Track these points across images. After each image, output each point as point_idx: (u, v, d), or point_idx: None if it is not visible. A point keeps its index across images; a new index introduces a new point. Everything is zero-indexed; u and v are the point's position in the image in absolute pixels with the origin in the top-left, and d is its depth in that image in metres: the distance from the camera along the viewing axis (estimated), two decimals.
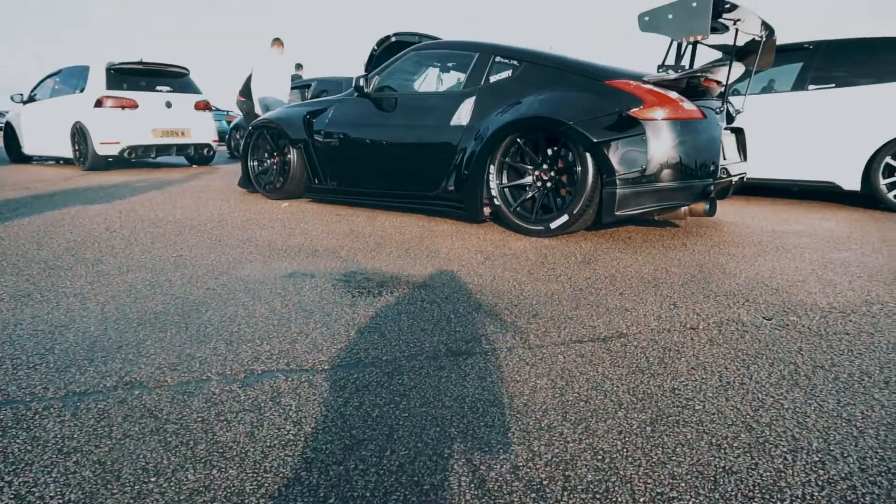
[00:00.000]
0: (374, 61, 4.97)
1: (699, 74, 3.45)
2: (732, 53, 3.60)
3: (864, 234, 3.64)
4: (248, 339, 1.82)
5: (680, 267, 2.77)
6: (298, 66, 11.23)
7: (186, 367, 1.61)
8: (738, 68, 3.80)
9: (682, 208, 3.34)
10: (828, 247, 3.25)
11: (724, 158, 3.63)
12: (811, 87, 4.98)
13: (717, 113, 3.56)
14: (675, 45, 3.42)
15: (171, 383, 1.51)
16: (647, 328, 1.95)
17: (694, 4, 3.00)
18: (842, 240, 3.46)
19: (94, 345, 1.76)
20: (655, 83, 3.29)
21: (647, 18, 3.23)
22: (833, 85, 4.87)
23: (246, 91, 8.65)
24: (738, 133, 4.08)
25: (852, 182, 4.78)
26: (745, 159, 4.13)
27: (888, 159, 4.58)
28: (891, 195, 4.62)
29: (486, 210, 3.71)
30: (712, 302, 2.24)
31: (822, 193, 5.58)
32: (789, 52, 5.14)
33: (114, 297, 2.24)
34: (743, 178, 4.04)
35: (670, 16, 3.11)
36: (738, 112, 4.12)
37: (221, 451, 1.22)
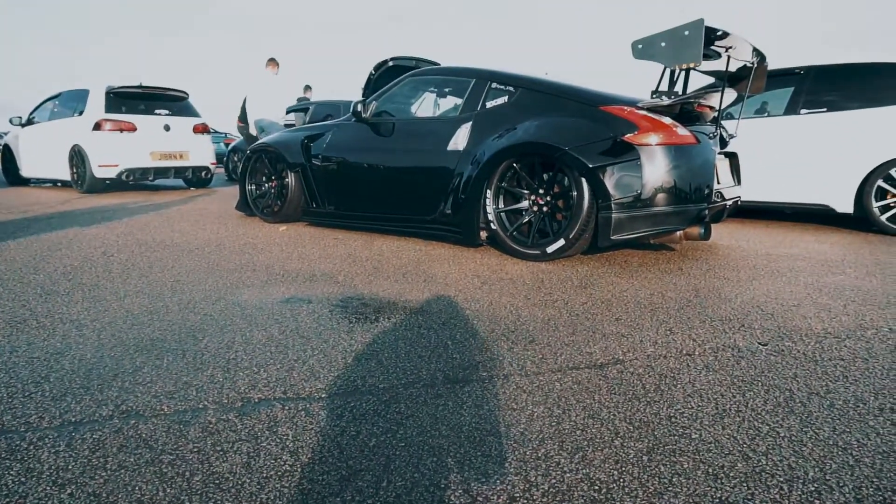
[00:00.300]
0: (371, 85, 5.03)
1: (692, 100, 3.50)
2: (725, 79, 3.66)
3: (857, 257, 3.66)
4: (246, 366, 1.82)
5: (676, 291, 2.79)
6: (307, 88, 11.27)
7: (183, 396, 1.61)
8: (730, 94, 3.86)
9: (678, 232, 3.36)
10: (822, 270, 3.27)
11: (719, 183, 3.67)
12: (803, 111, 5.05)
13: (710, 138, 3.60)
14: (668, 71, 3.47)
15: (168, 412, 1.51)
16: (643, 354, 1.95)
17: (686, 33, 3.05)
18: (836, 263, 3.48)
19: (90, 372, 1.76)
20: (649, 109, 3.33)
21: (640, 46, 3.29)
22: (825, 109, 4.94)
23: (244, 116, 8.71)
24: (732, 157, 4.13)
25: (845, 205, 4.82)
26: (738, 183, 4.17)
27: (880, 182, 4.63)
28: (883, 218, 4.66)
29: (483, 234, 3.72)
30: (708, 327, 2.25)
31: (816, 216, 5.62)
32: (780, 77, 5.21)
33: (111, 323, 2.24)
34: (737, 201, 4.07)
35: (663, 44, 3.17)
36: (731, 137, 4.17)
37: (218, 482, 1.21)
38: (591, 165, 3.17)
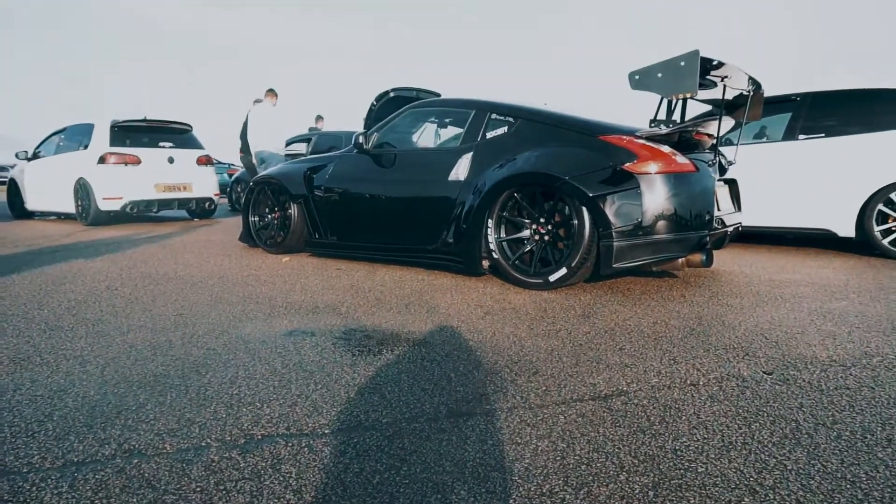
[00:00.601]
0: (372, 115, 5.10)
1: (691, 128, 3.54)
2: (721, 108, 3.70)
3: (860, 282, 3.66)
4: (249, 401, 1.82)
5: (679, 319, 2.78)
6: (318, 118, 11.39)
7: (186, 433, 1.60)
8: (728, 121, 3.90)
9: (680, 259, 3.37)
10: (825, 296, 3.27)
11: (719, 209, 3.68)
12: (801, 136, 5.10)
13: (709, 165, 3.63)
14: (665, 101, 3.52)
15: (170, 451, 1.50)
16: (647, 385, 1.95)
17: (682, 64, 3.10)
18: (839, 288, 3.48)
19: (93, 410, 1.76)
20: (648, 138, 3.37)
21: (637, 77, 3.34)
22: (823, 135, 4.98)
23: (246, 146, 8.80)
24: (732, 184, 4.16)
25: (847, 229, 4.83)
26: (739, 209, 4.19)
27: (881, 206, 4.65)
28: (885, 241, 4.66)
29: (485, 263, 3.74)
30: (712, 356, 2.24)
31: (818, 240, 5.63)
32: (777, 104, 5.27)
33: (114, 358, 2.24)
34: (738, 228, 4.09)
35: (660, 74, 3.22)
36: (730, 163, 4.20)
37: None
38: (591, 194, 3.20)
